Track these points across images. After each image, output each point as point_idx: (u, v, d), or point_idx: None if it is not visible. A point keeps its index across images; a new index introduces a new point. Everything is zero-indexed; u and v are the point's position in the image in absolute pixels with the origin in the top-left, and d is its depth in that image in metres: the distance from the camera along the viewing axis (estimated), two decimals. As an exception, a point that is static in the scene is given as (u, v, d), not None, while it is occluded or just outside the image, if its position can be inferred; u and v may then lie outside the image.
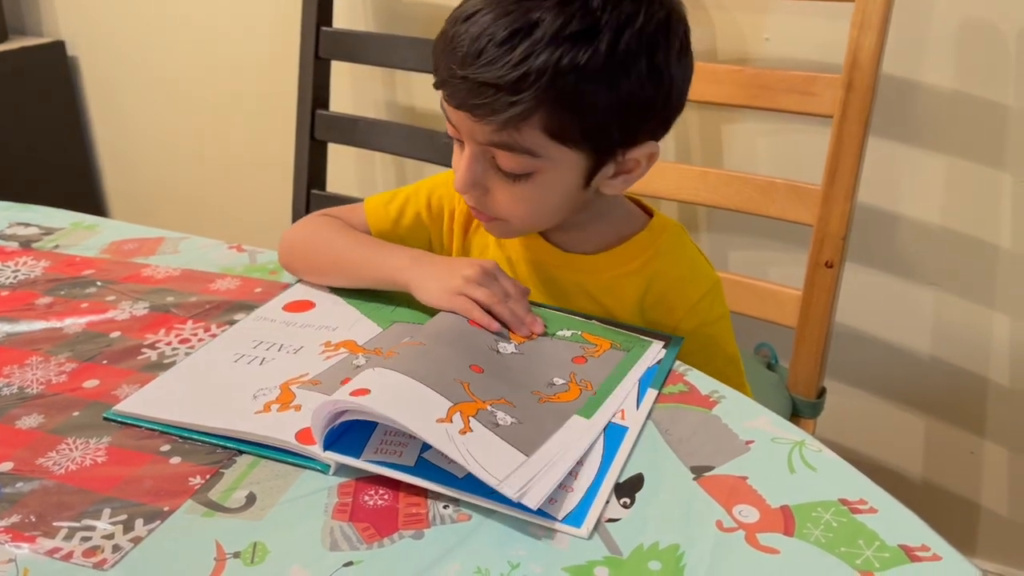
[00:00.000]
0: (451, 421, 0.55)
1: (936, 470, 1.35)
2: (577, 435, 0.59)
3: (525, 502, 0.51)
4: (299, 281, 0.83)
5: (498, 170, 0.69)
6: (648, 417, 0.62)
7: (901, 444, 1.35)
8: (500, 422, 0.57)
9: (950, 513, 1.35)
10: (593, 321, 0.74)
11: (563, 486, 0.55)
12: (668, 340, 0.71)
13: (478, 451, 0.54)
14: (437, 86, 0.68)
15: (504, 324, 0.70)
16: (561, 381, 0.64)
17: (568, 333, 0.71)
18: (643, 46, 0.64)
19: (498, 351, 0.66)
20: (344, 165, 1.63)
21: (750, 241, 1.35)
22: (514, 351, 0.67)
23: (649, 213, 0.82)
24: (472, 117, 0.66)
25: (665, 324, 0.77)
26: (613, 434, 0.60)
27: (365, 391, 0.56)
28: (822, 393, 1.15)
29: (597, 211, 0.77)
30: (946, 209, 1.21)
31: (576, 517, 0.52)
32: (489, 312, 0.69)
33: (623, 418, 0.61)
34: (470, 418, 0.56)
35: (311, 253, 0.82)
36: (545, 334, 0.70)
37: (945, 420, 1.31)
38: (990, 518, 1.33)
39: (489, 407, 0.58)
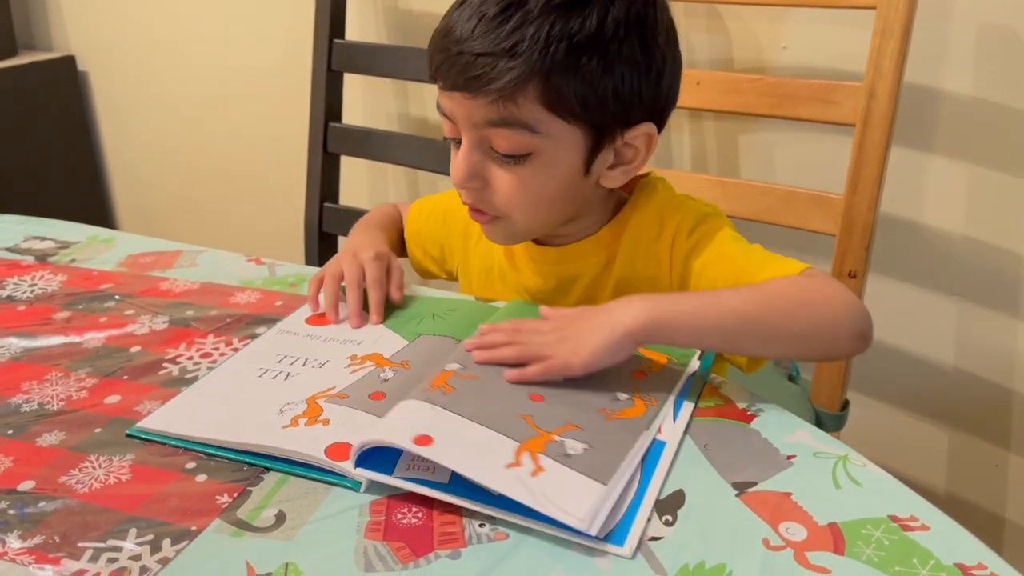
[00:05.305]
0: (520, 464, 0.54)
1: (961, 483, 1.32)
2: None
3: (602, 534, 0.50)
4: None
5: (496, 157, 0.68)
6: (686, 431, 0.61)
7: (925, 457, 1.33)
8: (570, 451, 0.55)
9: (975, 527, 1.29)
10: None
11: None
12: (701, 353, 0.70)
13: (554, 492, 0.52)
14: (432, 76, 0.69)
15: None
16: (625, 396, 0.62)
17: None
18: (632, 23, 0.66)
19: None
20: (357, 177, 1.61)
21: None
22: None
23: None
24: (468, 95, 0.66)
25: (664, 267, 0.75)
26: (651, 449, 0.58)
27: (428, 439, 0.54)
28: (845, 405, 1.13)
29: (590, 207, 0.76)
30: (968, 218, 1.20)
31: (618, 535, 0.51)
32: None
33: (660, 432, 0.60)
34: (539, 455, 0.55)
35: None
36: None
37: (969, 432, 1.29)
38: (1016, 532, 1.31)
39: (556, 437, 0.57)
